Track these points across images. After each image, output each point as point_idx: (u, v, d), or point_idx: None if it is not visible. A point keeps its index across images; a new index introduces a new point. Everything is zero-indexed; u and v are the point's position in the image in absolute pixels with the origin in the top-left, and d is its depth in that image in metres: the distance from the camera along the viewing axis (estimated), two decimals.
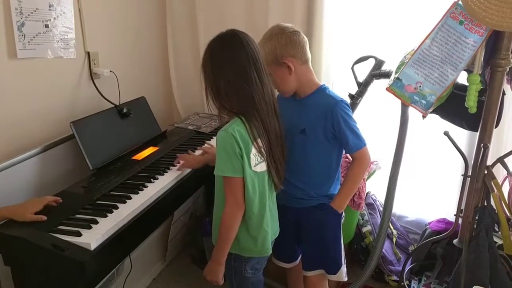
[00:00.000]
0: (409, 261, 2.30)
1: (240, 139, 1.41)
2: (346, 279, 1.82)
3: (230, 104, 1.45)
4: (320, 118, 1.63)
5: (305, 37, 1.66)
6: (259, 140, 1.45)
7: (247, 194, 1.47)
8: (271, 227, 1.60)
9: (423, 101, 1.75)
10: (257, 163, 1.48)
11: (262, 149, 1.47)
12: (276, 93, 1.71)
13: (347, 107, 1.64)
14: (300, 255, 1.90)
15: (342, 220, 1.78)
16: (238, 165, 1.43)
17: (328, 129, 1.63)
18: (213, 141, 2.23)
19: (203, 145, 2.24)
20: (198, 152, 2.09)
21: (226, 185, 1.48)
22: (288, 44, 1.60)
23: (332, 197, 1.71)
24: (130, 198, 1.66)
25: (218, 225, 1.52)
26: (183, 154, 1.98)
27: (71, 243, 1.35)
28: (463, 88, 1.74)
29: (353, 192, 1.76)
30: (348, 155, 1.85)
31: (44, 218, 1.47)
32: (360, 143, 1.62)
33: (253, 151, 1.45)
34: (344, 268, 1.80)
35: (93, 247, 1.36)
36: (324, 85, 1.70)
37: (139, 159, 2.04)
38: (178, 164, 1.92)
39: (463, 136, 2.20)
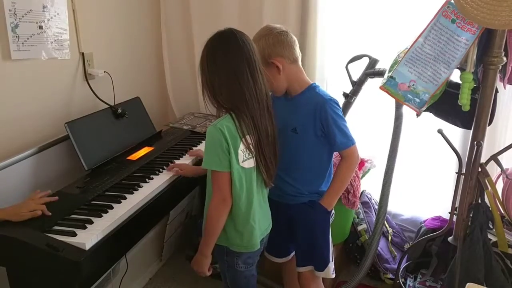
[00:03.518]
0: (405, 259, 2.31)
1: (228, 134, 1.44)
2: (333, 275, 1.83)
3: (222, 100, 1.48)
4: (310, 117, 1.64)
5: (293, 36, 1.67)
6: (248, 137, 1.48)
7: (234, 189, 1.49)
8: (260, 223, 1.61)
9: (417, 99, 1.76)
10: (245, 159, 1.50)
11: (251, 146, 1.49)
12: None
13: (337, 106, 1.65)
14: (294, 252, 1.90)
15: (332, 218, 1.79)
16: (225, 160, 1.45)
17: (317, 127, 1.64)
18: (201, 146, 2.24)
19: (199, 144, 2.24)
20: (187, 157, 2.09)
21: (213, 179, 1.50)
22: (275, 44, 1.62)
23: (322, 194, 1.72)
24: (125, 198, 1.66)
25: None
26: (178, 163, 1.98)
27: (66, 243, 1.35)
28: (457, 86, 1.76)
29: (341, 190, 1.76)
30: None
31: (39, 212, 1.48)
32: (347, 141, 1.63)
33: (241, 147, 1.47)
34: (331, 265, 1.81)
35: (88, 247, 1.36)
36: (315, 83, 1.71)
37: (134, 159, 2.04)
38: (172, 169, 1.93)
39: (457, 134, 2.21)
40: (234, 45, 1.45)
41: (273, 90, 1.70)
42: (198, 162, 2.05)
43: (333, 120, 1.61)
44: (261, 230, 1.62)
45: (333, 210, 1.78)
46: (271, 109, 1.55)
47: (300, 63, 1.70)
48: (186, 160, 2.06)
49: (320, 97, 1.65)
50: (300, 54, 1.69)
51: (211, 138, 1.46)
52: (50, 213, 1.51)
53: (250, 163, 1.51)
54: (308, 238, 1.78)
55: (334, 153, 1.76)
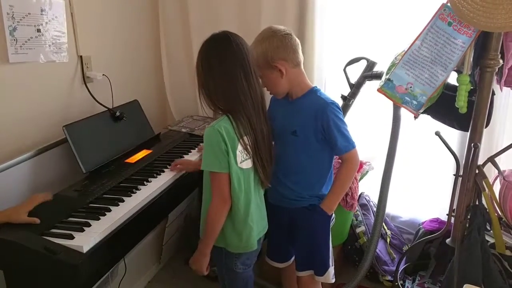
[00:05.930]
0: (403, 261, 2.31)
1: (226, 135, 1.45)
2: (333, 280, 1.83)
3: (218, 103, 1.50)
4: (311, 120, 1.64)
5: (297, 39, 1.66)
6: (245, 138, 1.50)
7: (233, 190, 1.51)
8: (258, 223, 1.63)
9: (414, 102, 1.76)
10: (243, 160, 1.52)
11: (248, 147, 1.51)
12: (269, 94, 1.73)
13: (338, 109, 1.65)
14: (294, 256, 1.90)
15: (332, 222, 1.79)
16: (224, 161, 1.47)
17: (318, 130, 1.64)
18: None
19: (197, 147, 2.24)
20: (193, 153, 2.09)
21: (212, 180, 1.52)
22: (279, 47, 1.60)
23: (323, 197, 1.72)
24: (123, 201, 1.66)
25: (205, 218, 1.56)
26: (179, 160, 2.01)
27: (63, 246, 1.36)
28: (454, 89, 1.76)
29: (342, 193, 1.76)
30: None
31: (38, 221, 1.48)
32: (348, 145, 1.63)
33: (239, 148, 1.49)
34: (331, 270, 1.81)
35: (85, 249, 1.36)
36: (316, 87, 1.71)
37: (132, 162, 2.04)
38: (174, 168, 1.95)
39: (455, 136, 2.22)
40: (228, 49, 1.46)
41: (274, 93, 1.71)
42: None
43: (334, 123, 1.61)
44: (258, 230, 1.64)
45: (333, 214, 1.77)
46: (266, 111, 1.58)
47: (302, 66, 1.69)
48: (193, 156, 2.08)
49: (322, 100, 1.65)
50: (303, 57, 1.68)
51: (209, 140, 1.47)
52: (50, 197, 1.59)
53: (248, 164, 1.53)
54: (308, 242, 1.78)
55: (335, 156, 1.76)
